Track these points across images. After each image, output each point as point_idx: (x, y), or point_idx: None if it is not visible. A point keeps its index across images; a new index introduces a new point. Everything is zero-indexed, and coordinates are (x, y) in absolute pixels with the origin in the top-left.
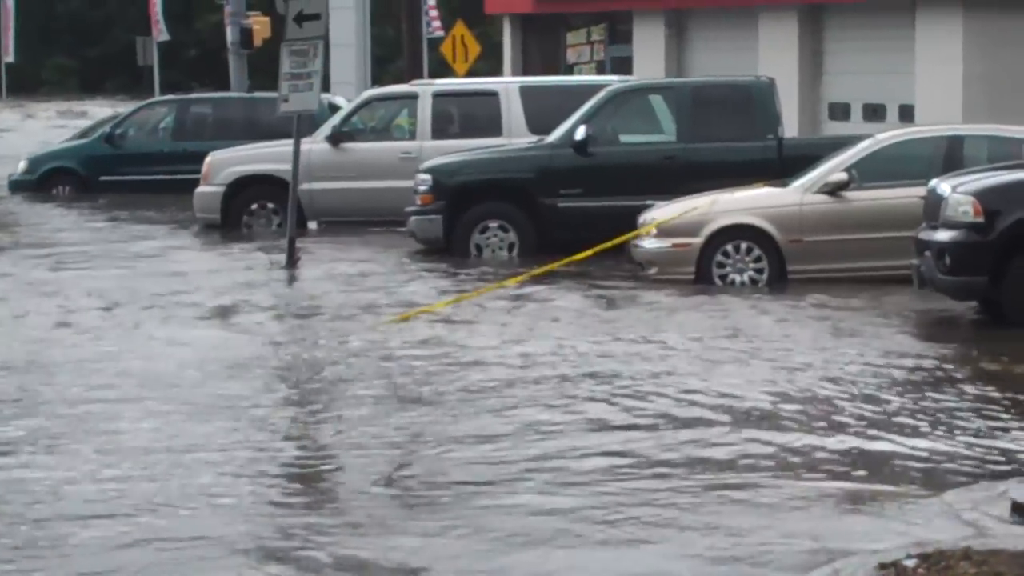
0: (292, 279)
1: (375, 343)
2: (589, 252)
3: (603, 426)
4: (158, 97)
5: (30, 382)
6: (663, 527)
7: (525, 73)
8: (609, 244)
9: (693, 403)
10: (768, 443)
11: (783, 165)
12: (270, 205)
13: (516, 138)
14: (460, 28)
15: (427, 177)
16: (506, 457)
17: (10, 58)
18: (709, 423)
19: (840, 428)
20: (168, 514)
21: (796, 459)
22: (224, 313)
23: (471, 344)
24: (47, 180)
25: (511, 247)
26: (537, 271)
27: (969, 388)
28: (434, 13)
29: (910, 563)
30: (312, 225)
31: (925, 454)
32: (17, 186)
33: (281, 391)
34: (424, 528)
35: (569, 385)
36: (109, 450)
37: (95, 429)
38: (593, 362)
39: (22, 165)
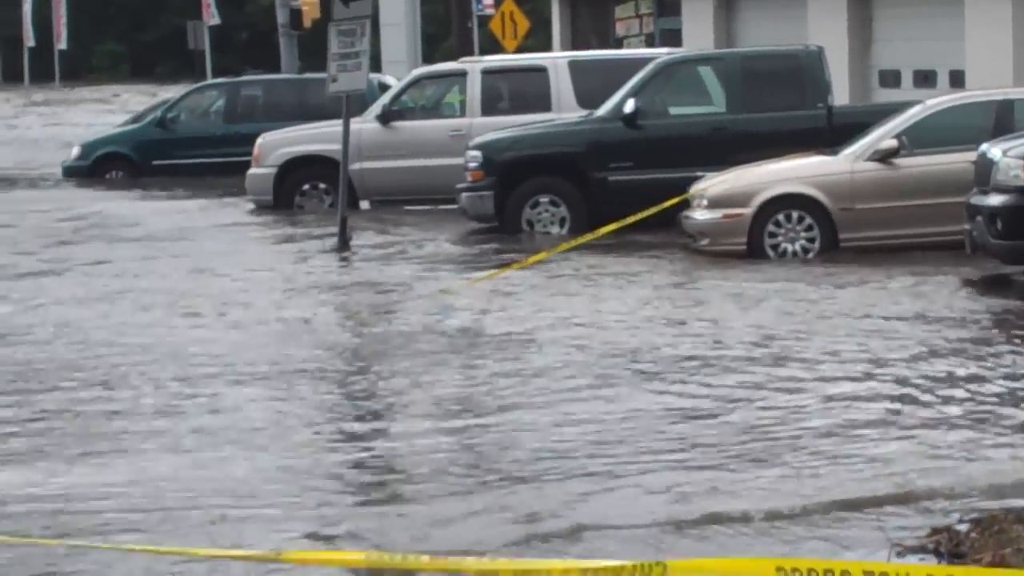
0: (345, 258)
1: (435, 315)
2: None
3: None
4: (209, 80)
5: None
6: None
7: (574, 48)
8: (616, 225)
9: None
10: None
11: (833, 133)
12: (322, 185)
13: (565, 113)
14: (509, 5)
15: (477, 154)
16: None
17: (62, 45)
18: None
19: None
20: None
21: None
22: (280, 293)
23: (522, 314)
24: (100, 165)
25: (562, 222)
26: (563, 247)
27: None
28: None
29: (963, 527)
30: (364, 204)
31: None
32: (70, 172)
33: (343, 368)
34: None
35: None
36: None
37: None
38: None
39: (75, 151)
